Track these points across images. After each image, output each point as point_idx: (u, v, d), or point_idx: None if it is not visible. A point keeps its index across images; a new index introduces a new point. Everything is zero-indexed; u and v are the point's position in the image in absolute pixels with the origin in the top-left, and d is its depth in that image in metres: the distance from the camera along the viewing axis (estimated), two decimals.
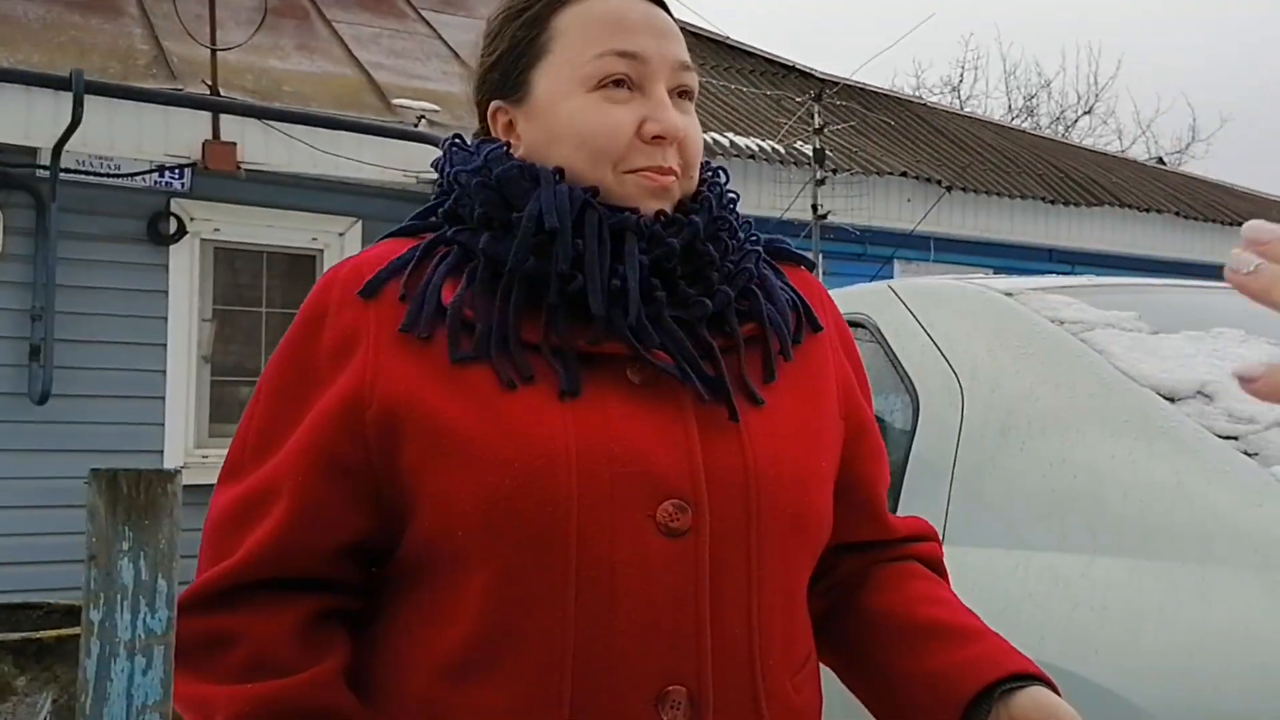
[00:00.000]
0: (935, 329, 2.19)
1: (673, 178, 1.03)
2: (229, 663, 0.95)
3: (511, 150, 1.06)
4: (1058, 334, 1.94)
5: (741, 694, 0.96)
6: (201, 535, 1.00)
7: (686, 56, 1.06)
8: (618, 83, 1.02)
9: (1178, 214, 9.19)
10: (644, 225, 1.00)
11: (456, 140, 1.10)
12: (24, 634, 2.51)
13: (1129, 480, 1.70)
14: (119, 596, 0.59)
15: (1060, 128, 20.56)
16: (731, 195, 1.10)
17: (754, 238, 1.10)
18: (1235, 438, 1.66)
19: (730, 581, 0.96)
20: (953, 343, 2.13)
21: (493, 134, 1.09)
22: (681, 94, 1.05)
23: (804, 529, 1.02)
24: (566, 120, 1.02)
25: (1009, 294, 2.14)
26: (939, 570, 1.20)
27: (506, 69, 1.07)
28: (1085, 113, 21.76)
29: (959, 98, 21.13)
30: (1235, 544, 1.56)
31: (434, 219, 1.08)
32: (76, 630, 2.72)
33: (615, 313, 0.97)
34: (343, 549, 0.99)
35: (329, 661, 0.96)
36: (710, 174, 1.09)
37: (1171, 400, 1.74)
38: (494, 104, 1.09)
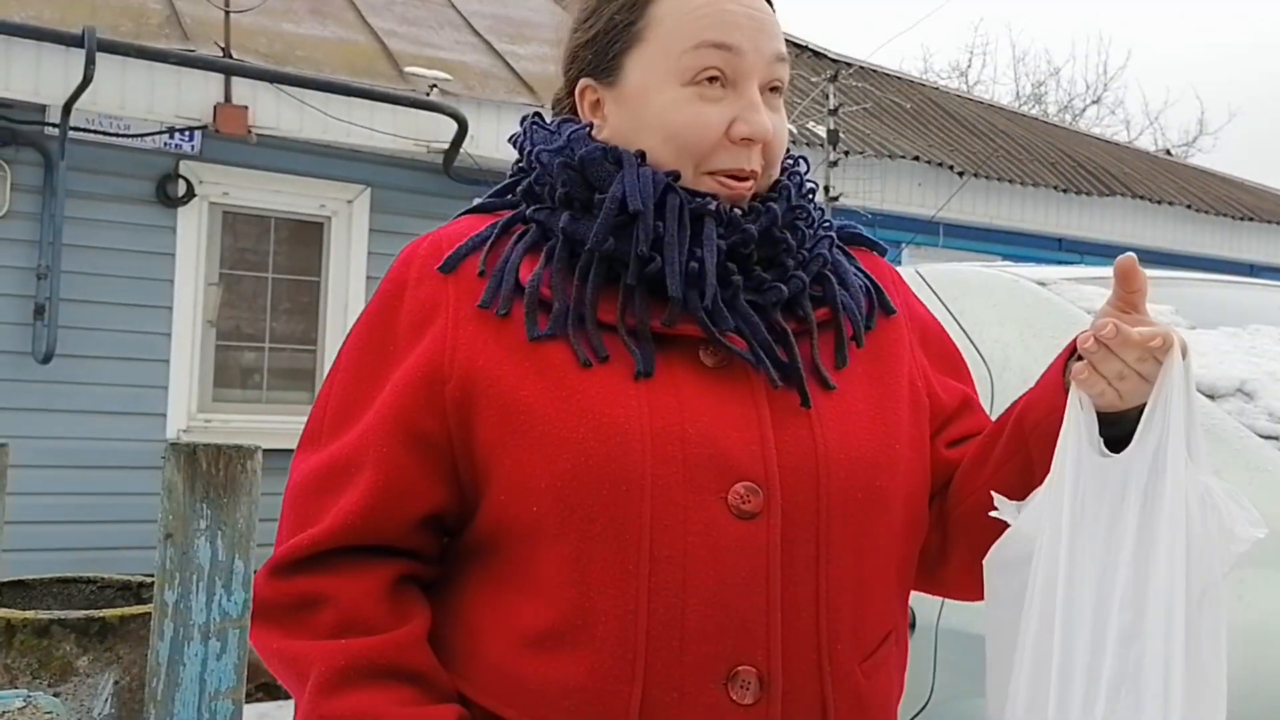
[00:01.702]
0: (965, 317, 2.16)
1: (749, 183, 1.04)
2: (320, 622, 0.96)
3: (595, 131, 1.07)
4: None
5: (808, 676, 0.97)
6: (283, 501, 1.03)
7: (783, 49, 1.07)
8: (712, 79, 1.02)
9: (1189, 207, 9.13)
10: (722, 211, 1.01)
11: (537, 119, 1.11)
12: (86, 612, 2.49)
13: None
14: (194, 577, 0.56)
15: (1068, 116, 20.46)
16: (811, 185, 1.11)
17: (827, 223, 1.12)
18: (1276, 437, 1.64)
19: (799, 565, 0.97)
20: (983, 331, 2.11)
21: (578, 109, 1.11)
22: (773, 89, 1.06)
23: (877, 513, 1.02)
24: (657, 112, 1.03)
25: (1042, 283, 2.12)
26: None
27: (601, 50, 1.08)
28: (1093, 102, 21.66)
29: (966, 83, 21.02)
30: (1275, 545, 1.54)
31: (510, 197, 1.09)
32: (140, 609, 2.69)
33: (691, 295, 0.98)
34: (422, 520, 1.01)
35: (414, 623, 0.99)
36: (790, 162, 1.11)
37: (1211, 397, 1.72)
38: (584, 81, 1.09)
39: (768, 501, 0.96)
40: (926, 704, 1.82)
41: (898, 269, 1.26)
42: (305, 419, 1.07)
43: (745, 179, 1.03)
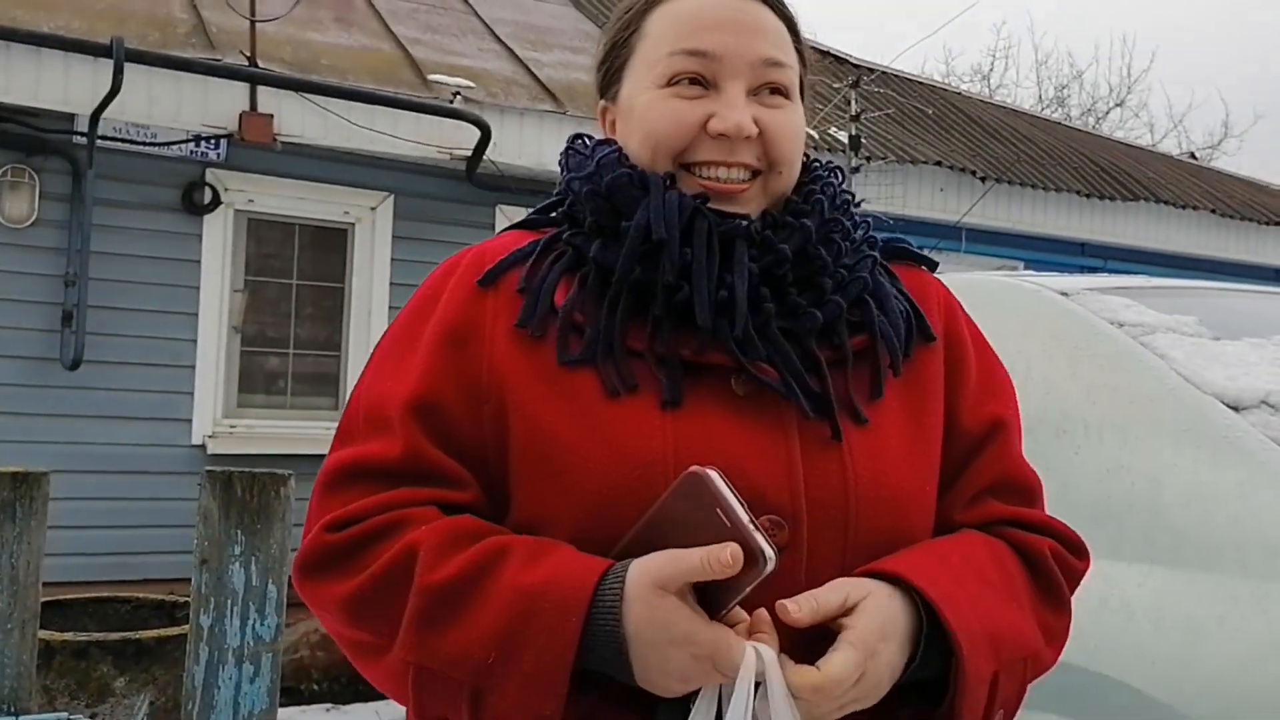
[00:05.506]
0: (986, 327, 2.14)
1: (745, 184, 1.02)
2: (401, 536, 0.92)
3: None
4: (1118, 337, 1.91)
5: None
6: (314, 488, 1.00)
7: (775, 53, 1.05)
8: (692, 81, 1.03)
9: (1213, 211, 9.06)
10: (754, 231, 0.99)
11: (576, 141, 1.12)
12: (123, 634, 2.52)
13: (1190, 489, 1.68)
14: (229, 602, 0.57)
15: (1091, 119, 20.33)
16: (846, 195, 1.08)
17: (871, 239, 1.08)
18: None
19: None
20: (1004, 342, 2.09)
21: (604, 133, 1.13)
22: (772, 90, 1.04)
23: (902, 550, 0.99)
24: (639, 115, 1.05)
25: (1065, 293, 2.11)
26: (1031, 561, 1.05)
27: (606, 71, 1.12)
28: (1117, 105, 21.50)
29: (989, 86, 20.93)
30: None
31: (554, 215, 1.09)
32: (175, 630, 2.76)
33: (721, 324, 0.96)
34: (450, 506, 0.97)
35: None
36: (825, 173, 1.09)
37: (1235, 409, 1.71)
38: (601, 104, 1.14)
39: (794, 536, 0.93)
40: None
41: (934, 276, 1.18)
42: (330, 423, 1.07)
43: (736, 178, 1.01)
